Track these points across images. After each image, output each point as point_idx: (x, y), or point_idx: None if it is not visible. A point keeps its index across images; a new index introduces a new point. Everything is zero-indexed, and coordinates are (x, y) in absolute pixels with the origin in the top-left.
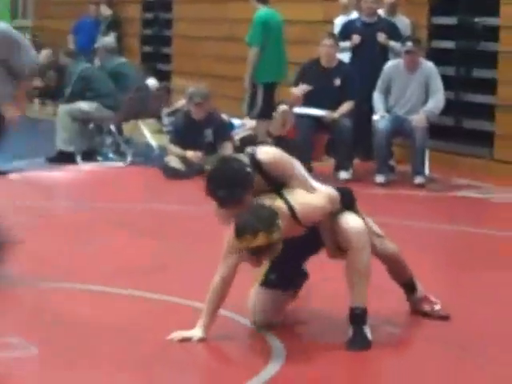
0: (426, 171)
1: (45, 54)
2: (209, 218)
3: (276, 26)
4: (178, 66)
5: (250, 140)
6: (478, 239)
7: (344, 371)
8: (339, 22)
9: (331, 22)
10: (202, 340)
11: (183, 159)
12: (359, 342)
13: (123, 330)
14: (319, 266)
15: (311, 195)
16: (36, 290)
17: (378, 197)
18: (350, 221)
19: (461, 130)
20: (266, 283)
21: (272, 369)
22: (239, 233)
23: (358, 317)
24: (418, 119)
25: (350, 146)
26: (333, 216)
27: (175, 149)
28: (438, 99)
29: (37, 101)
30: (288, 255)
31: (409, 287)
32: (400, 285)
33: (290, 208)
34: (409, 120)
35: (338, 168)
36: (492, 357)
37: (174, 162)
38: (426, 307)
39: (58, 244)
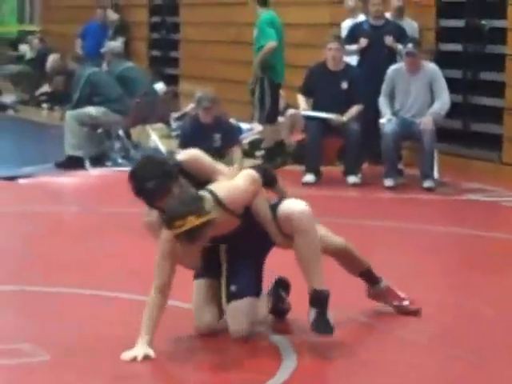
0: (435, 175)
1: (52, 59)
2: None
3: (280, 28)
4: (186, 70)
5: (259, 144)
6: (488, 242)
7: (359, 366)
8: (346, 25)
9: (338, 25)
10: (148, 357)
11: None
12: (323, 326)
13: (134, 336)
14: None
15: (232, 181)
16: (46, 295)
17: (387, 201)
18: (292, 205)
19: (469, 133)
20: (231, 297)
21: (285, 370)
22: (169, 222)
23: (320, 300)
24: (426, 121)
25: (358, 150)
26: (272, 206)
27: None
28: (443, 100)
29: (45, 106)
30: (239, 261)
31: (367, 278)
32: (357, 277)
33: (214, 195)
34: (416, 123)
35: (346, 172)
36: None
37: None
38: (395, 302)
39: (67, 249)
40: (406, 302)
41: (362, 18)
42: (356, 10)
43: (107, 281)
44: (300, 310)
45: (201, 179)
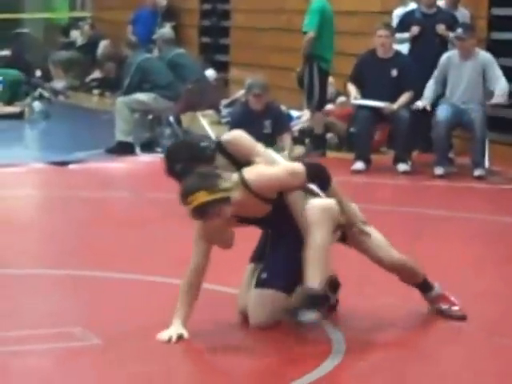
0: (486, 163)
1: (103, 45)
2: None
3: (330, 15)
4: (236, 56)
5: (309, 131)
6: None
7: (411, 357)
8: (398, 13)
9: (389, 13)
10: (181, 337)
11: None
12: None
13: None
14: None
15: (269, 167)
16: (96, 280)
17: (437, 189)
18: (317, 200)
19: None
20: (260, 283)
21: (332, 361)
22: (182, 198)
23: (309, 297)
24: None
25: (408, 137)
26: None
27: None
28: (501, 86)
29: (96, 92)
30: (280, 250)
31: (423, 287)
32: (413, 286)
33: (241, 176)
34: (468, 111)
35: (396, 160)
36: None
37: None
38: (444, 306)
39: (117, 234)
40: (455, 308)
41: (413, 6)
42: None
43: (156, 267)
44: (350, 303)
45: (242, 160)
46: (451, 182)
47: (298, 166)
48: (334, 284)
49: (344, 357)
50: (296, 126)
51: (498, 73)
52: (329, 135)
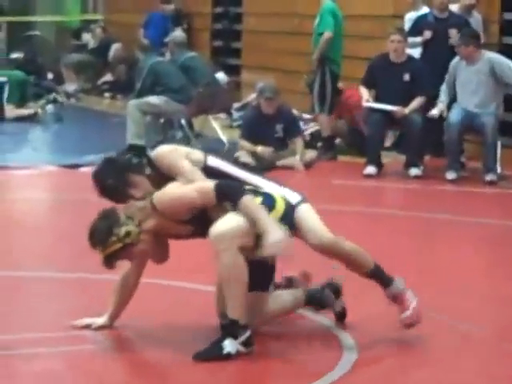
0: (498, 168)
1: (115, 48)
2: None
3: (340, 18)
4: (248, 60)
5: (320, 135)
6: None
7: (420, 361)
8: (410, 17)
9: (401, 17)
10: (102, 327)
11: (254, 154)
12: (206, 351)
13: (210, 324)
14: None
15: (180, 187)
16: (109, 283)
17: (449, 193)
18: (218, 223)
19: None
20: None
21: (344, 367)
22: (91, 245)
23: (223, 328)
24: None
25: (420, 141)
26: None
27: (246, 144)
28: None
29: (107, 95)
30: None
31: (379, 280)
32: (367, 278)
33: (151, 200)
34: (479, 115)
35: (408, 164)
36: None
37: (244, 156)
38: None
39: None
40: (405, 314)
41: (425, 10)
42: (418, 2)
43: (165, 270)
44: (361, 307)
45: (170, 175)
46: (462, 186)
47: (207, 185)
48: (336, 290)
49: (355, 362)
50: (307, 130)
51: (509, 66)
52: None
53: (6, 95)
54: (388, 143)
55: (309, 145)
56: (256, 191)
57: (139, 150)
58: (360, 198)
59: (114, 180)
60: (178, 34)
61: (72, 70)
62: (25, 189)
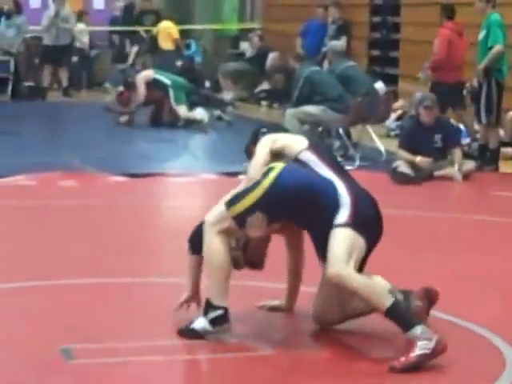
0: None
1: (272, 57)
2: (438, 224)
3: (504, 29)
4: (405, 69)
5: (482, 146)
6: None
7: None
8: None
9: None
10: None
11: (412, 164)
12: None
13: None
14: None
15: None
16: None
17: None
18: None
19: None
20: None
21: (507, 378)
22: None
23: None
24: None
25: None
26: None
27: (404, 153)
28: None
29: (264, 103)
30: None
31: (395, 323)
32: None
33: None
34: None
35: None
36: None
37: (402, 166)
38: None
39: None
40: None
41: None
42: None
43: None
44: None
45: None
46: None
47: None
48: (429, 296)
49: None
50: (465, 141)
51: None
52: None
53: (172, 97)
54: None
55: (467, 155)
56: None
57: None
58: None
59: (248, 143)
60: (339, 43)
61: (229, 78)
62: (184, 196)
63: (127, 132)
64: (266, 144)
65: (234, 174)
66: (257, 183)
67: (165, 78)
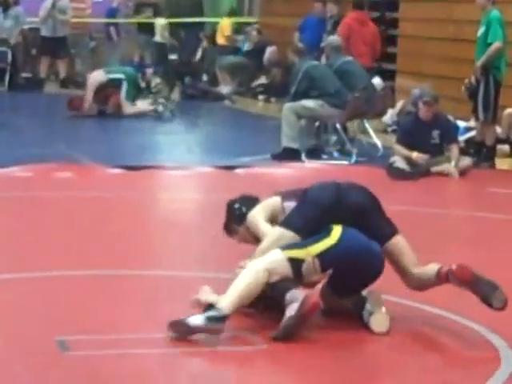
0: None
1: (270, 51)
2: (434, 220)
3: (504, 26)
4: (403, 65)
5: (478, 142)
6: None
7: None
8: None
9: None
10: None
11: (409, 160)
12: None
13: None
14: None
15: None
16: None
17: None
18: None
19: None
20: None
21: (504, 372)
22: None
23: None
24: None
25: None
26: None
27: (401, 149)
28: None
29: (261, 97)
30: None
31: None
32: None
33: None
34: None
35: None
36: None
37: (399, 162)
38: None
39: None
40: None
41: None
42: None
43: None
44: None
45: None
46: None
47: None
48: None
49: None
50: (462, 137)
51: None
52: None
53: (124, 93)
54: None
55: (464, 152)
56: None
57: (294, 154)
58: None
59: (226, 222)
60: (335, 38)
61: (227, 72)
62: (180, 189)
63: (124, 124)
64: (260, 220)
65: (230, 168)
66: (326, 234)
67: (118, 74)
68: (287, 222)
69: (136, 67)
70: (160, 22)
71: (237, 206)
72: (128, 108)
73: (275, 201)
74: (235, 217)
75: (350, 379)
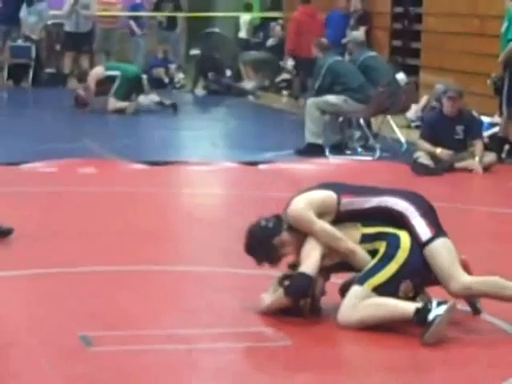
0: None
1: None
2: (458, 215)
3: None
4: (427, 60)
5: (503, 138)
6: None
7: None
8: None
9: None
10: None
11: (432, 155)
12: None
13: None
14: None
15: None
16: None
17: None
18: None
19: None
20: None
21: None
22: None
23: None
24: None
25: None
26: None
27: (425, 145)
28: None
29: (285, 93)
30: None
31: None
32: None
33: None
34: None
35: None
36: None
37: (423, 157)
38: None
39: None
40: None
41: None
42: None
43: None
44: None
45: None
46: None
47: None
48: None
49: None
50: (486, 133)
51: None
52: None
53: (114, 89)
54: None
55: (487, 148)
56: (379, 235)
57: (317, 149)
58: None
59: (263, 252)
60: (358, 33)
61: (250, 67)
62: (204, 184)
63: (148, 119)
64: (311, 217)
65: (254, 163)
66: (391, 257)
67: (114, 71)
68: None
69: (160, 62)
70: (245, 17)
71: (263, 223)
72: (111, 104)
73: (328, 196)
74: (270, 230)
75: (372, 374)
